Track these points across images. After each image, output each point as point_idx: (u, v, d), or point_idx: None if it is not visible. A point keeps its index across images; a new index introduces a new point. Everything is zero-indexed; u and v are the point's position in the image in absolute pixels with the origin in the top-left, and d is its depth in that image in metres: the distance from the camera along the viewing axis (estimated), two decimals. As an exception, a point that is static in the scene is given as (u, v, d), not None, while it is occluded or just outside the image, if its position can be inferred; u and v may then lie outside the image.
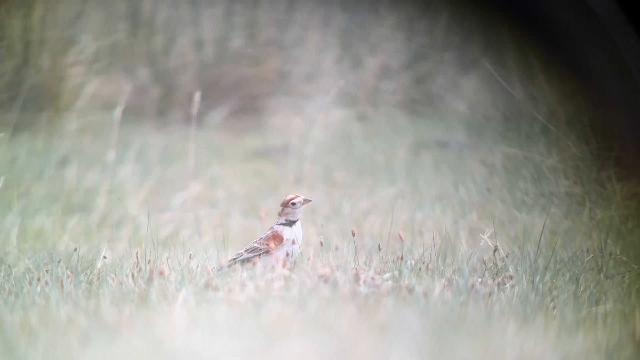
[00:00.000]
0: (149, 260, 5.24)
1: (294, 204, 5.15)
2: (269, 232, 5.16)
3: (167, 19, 6.51)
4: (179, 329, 4.69)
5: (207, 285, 5.00)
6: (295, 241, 5.13)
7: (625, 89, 4.77)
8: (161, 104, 6.47)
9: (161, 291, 5.04)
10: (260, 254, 5.13)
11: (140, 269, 5.20)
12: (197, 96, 5.91)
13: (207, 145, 6.28)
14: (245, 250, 5.17)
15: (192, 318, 4.78)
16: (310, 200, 5.20)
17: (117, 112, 6.03)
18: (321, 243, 5.21)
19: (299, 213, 5.16)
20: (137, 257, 5.25)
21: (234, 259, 5.16)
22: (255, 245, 5.15)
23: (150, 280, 5.07)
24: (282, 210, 5.15)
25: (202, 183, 6.15)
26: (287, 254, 5.14)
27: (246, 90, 6.56)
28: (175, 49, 6.52)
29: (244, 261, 5.15)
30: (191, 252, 5.30)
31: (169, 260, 5.30)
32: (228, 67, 6.53)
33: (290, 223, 5.15)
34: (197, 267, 5.21)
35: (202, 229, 5.89)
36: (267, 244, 5.13)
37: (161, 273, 5.11)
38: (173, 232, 5.89)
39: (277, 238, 5.13)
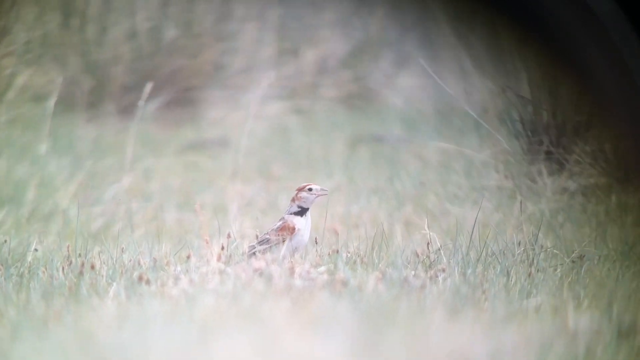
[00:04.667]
0: (80, 253, 5.20)
1: (310, 189, 5.14)
2: (280, 222, 5.15)
3: (100, 9, 6.44)
4: (110, 323, 4.65)
5: (139, 279, 4.97)
6: (304, 232, 5.13)
7: (625, 88, 4.77)
8: (93, 96, 6.39)
9: (92, 285, 5.01)
10: (271, 246, 5.11)
11: (71, 263, 5.15)
12: (148, 87, 5.85)
13: (140, 138, 6.21)
14: (258, 243, 5.14)
15: (123, 312, 4.75)
16: (327, 192, 5.19)
17: (50, 104, 5.94)
18: (257, 236, 5.19)
19: (313, 201, 5.15)
20: (68, 251, 5.21)
21: (251, 251, 5.13)
22: (268, 236, 5.13)
23: (81, 274, 5.04)
24: (297, 194, 5.16)
25: (135, 176, 6.09)
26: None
27: (181, 83, 6.51)
28: (108, 40, 6.45)
29: (256, 254, 5.12)
30: (123, 246, 5.27)
31: (101, 254, 5.26)
32: (162, 59, 6.48)
33: (302, 211, 5.13)
34: (130, 260, 5.18)
35: (135, 223, 5.84)
36: (280, 235, 5.11)
37: (92, 267, 5.08)
38: (105, 225, 5.83)
39: (289, 228, 5.11)
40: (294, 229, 5.13)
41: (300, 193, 5.16)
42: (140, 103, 5.83)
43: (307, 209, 5.15)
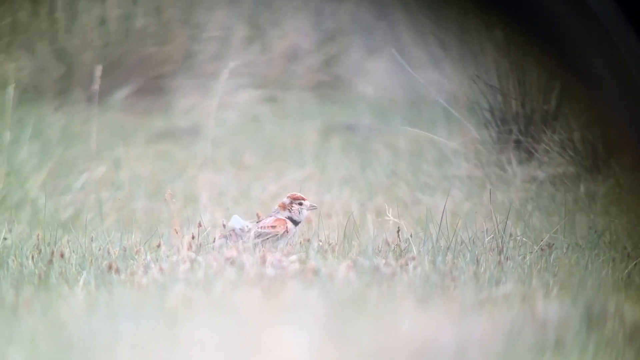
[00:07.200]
0: (49, 242, 5.18)
1: (301, 203, 5.14)
2: (273, 219, 5.13)
3: (69, -4, 6.40)
4: (80, 311, 4.64)
5: (109, 268, 4.96)
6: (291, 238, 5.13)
7: (626, 89, 4.78)
8: (62, 83, 6.35)
9: (61, 274, 5.00)
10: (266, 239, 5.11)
11: (40, 251, 5.14)
12: (98, 71, 5.80)
13: (110, 126, 6.18)
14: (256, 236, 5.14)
15: (93, 301, 4.74)
16: (316, 208, 5.19)
17: (9, 91, 5.89)
18: (224, 225, 5.18)
19: (304, 216, 5.17)
20: (37, 239, 5.19)
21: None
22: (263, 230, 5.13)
23: (50, 262, 5.03)
24: (290, 203, 5.12)
25: (104, 165, 6.06)
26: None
27: (151, 70, 6.47)
28: (78, 27, 6.40)
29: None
30: (93, 235, 5.26)
31: (70, 242, 5.25)
32: (132, 46, 6.44)
33: (295, 223, 5.14)
34: (99, 249, 5.16)
35: (104, 212, 5.81)
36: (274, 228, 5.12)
37: (62, 255, 5.06)
38: (74, 214, 5.80)
39: (283, 226, 5.11)
40: (287, 230, 5.16)
41: (294, 205, 5.16)
42: (95, 87, 5.79)
43: (299, 222, 5.16)
